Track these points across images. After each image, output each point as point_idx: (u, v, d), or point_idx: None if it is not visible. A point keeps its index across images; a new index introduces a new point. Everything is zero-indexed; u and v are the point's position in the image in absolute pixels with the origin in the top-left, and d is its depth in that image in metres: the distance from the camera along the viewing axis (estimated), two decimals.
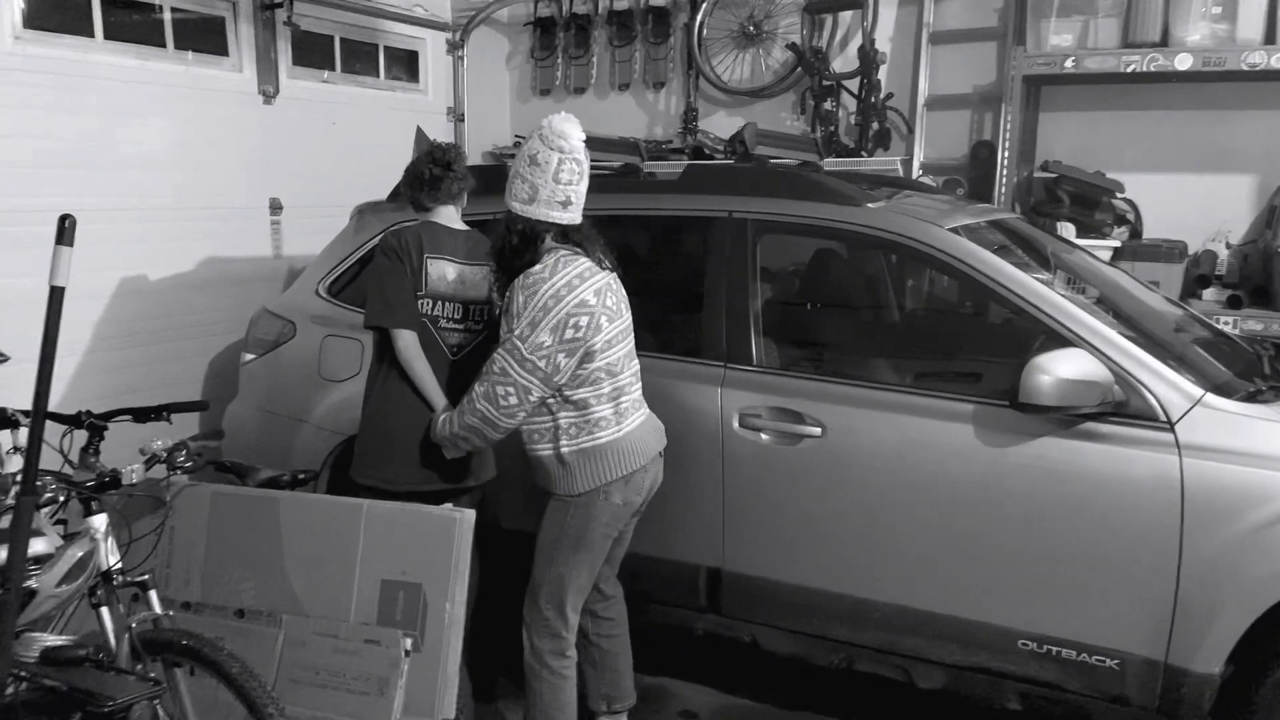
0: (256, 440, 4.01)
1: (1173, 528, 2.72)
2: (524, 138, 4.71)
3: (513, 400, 2.82)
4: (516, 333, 2.78)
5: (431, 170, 3.31)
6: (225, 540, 3.01)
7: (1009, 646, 2.97)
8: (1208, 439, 2.72)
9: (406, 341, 3.18)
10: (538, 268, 2.81)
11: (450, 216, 3.36)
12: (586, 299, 2.79)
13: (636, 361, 3.02)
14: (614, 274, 2.95)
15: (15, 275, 4.04)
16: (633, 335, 3.00)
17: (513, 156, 3.05)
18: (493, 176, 3.21)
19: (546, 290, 2.76)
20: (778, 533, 3.25)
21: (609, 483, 2.88)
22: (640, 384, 3.04)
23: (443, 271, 3.25)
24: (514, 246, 2.87)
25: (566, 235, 2.88)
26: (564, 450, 2.87)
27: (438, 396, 3.15)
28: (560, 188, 2.82)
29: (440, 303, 3.26)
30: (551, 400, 2.86)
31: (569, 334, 2.76)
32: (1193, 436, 2.73)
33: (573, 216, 2.88)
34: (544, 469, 2.94)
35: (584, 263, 2.84)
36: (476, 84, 6.61)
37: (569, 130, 2.82)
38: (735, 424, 3.27)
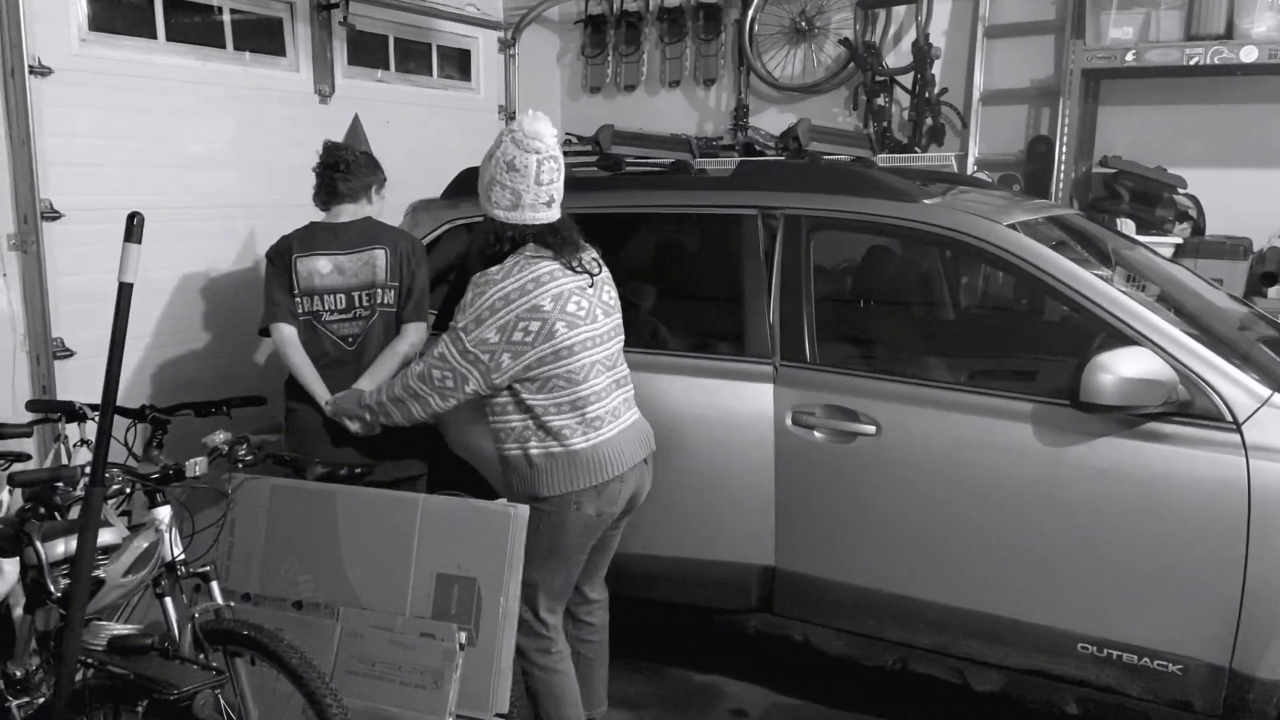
0: None
1: (1238, 530, 2.66)
2: (574, 136, 4.72)
3: (449, 384, 2.84)
4: (460, 325, 2.80)
5: (318, 171, 3.48)
6: (284, 533, 3.06)
7: (1068, 650, 2.92)
8: (1275, 439, 2.65)
9: (280, 334, 3.39)
10: (494, 268, 2.80)
11: (350, 214, 3.48)
12: (541, 304, 2.75)
13: (619, 370, 2.96)
14: (591, 277, 2.88)
15: (79, 273, 4.12)
16: (615, 341, 2.95)
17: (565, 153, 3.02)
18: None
19: (496, 292, 2.76)
20: (831, 531, 3.23)
21: (580, 491, 2.84)
22: (626, 390, 2.99)
23: (313, 267, 3.39)
24: (503, 254, 2.84)
25: (540, 236, 2.83)
26: (532, 452, 2.84)
27: (316, 385, 3.33)
28: (543, 189, 2.80)
29: (317, 297, 3.40)
30: (513, 402, 2.84)
31: (517, 336, 2.75)
32: (1260, 437, 2.66)
33: (555, 213, 2.86)
34: (512, 468, 2.91)
35: (547, 266, 2.79)
36: (528, 82, 6.63)
37: (541, 129, 2.78)
38: (788, 421, 3.25)
